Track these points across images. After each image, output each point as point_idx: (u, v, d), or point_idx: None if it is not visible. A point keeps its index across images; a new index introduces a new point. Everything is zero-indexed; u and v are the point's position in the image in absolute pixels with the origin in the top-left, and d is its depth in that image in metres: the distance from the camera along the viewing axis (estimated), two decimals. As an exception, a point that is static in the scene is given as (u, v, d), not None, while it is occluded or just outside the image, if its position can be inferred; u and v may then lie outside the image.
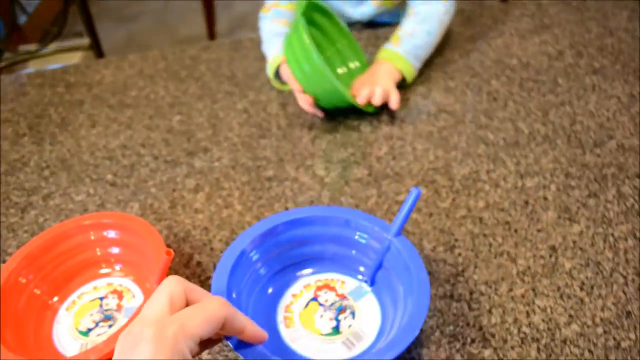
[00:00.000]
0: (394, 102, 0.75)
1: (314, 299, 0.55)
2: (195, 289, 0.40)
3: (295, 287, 0.56)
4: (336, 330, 0.52)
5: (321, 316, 0.53)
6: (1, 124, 0.88)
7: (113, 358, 0.36)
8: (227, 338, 0.43)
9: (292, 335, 0.52)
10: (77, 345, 0.55)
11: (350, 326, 0.52)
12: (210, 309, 0.38)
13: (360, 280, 0.55)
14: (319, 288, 0.56)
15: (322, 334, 0.52)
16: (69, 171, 0.77)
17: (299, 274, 0.57)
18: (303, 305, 0.54)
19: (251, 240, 0.53)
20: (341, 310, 0.53)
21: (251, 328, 0.41)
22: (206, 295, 0.41)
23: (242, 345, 0.43)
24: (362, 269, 0.56)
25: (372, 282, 0.54)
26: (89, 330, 0.56)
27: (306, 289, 0.56)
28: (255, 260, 0.54)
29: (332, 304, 0.54)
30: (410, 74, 0.80)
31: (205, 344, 0.43)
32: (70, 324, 0.57)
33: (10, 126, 0.88)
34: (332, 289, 0.55)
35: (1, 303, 0.53)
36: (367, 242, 0.55)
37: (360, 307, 0.53)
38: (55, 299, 0.59)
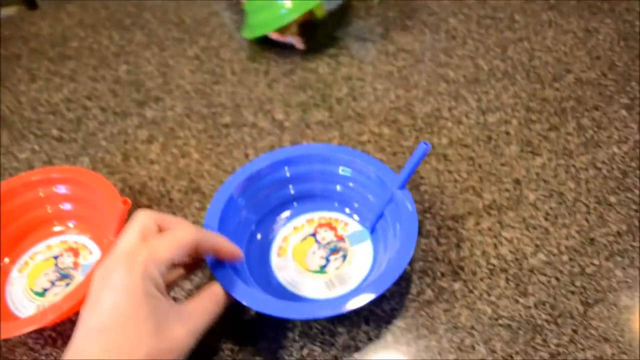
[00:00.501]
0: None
1: (313, 234, 0.54)
2: (166, 218, 0.43)
3: (299, 221, 0.55)
4: (323, 269, 0.51)
5: (314, 253, 0.52)
6: None
7: (89, 289, 0.39)
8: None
9: (280, 264, 0.52)
10: (33, 306, 0.52)
11: (337, 268, 0.51)
12: (179, 235, 0.40)
13: (364, 226, 0.54)
14: (321, 225, 0.55)
15: (308, 270, 0.51)
16: (10, 128, 0.72)
17: (283, 216, 0.56)
18: (300, 239, 0.54)
19: (237, 186, 0.52)
20: (334, 251, 0.52)
21: (225, 248, 0.44)
22: (178, 222, 0.44)
23: (217, 264, 0.46)
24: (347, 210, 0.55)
25: (372, 230, 0.53)
26: (45, 290, 0.53)
27: (308, 224, 0.55)
28: (242, 206, 0.53)
29: (327, 243, 0.53)
30: None
31: (188, 268, 0.46)
32: (24, 286, 0.54)
33: (-60, 84, 0.81)
34: (333, 228, 0.54)
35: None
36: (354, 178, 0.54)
37: (354, 252, 0.52)
38: (6, 260, 0.55)
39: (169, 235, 0.40)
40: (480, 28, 0.77)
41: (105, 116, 0.71)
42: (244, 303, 0.44)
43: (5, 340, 0.51)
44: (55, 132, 0.70)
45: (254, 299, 0.44)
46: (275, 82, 0.72)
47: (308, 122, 0.66)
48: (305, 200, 0.56)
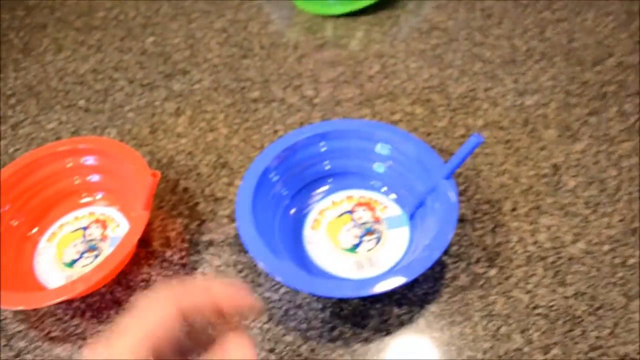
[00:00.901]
0: None
1: (350, 212, 0.53)
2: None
3: (338, 196, 0.54)
4: (354, 248, 0.50)
5: (348, 230, 0.52)
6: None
7: None
8: None
9: (312, 237, 0.51)
10: (63, 277, 0.52)
11: (369, 250, 0.50)
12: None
13: (404, 210, 0.53)
14: (360, 204, 0.53)
15: (339, 247, 0.50)
16: (38, 98, 0.71)
17: (320, 191, 0.55)
18: (337, 215, 0.53)
19: (271, 160, 0.51)
20: (369, 232, 0.51)
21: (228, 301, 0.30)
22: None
23: (248, 236, 0.45)
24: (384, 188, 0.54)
25: (411, 217, 0.52)
26: (74, 261, 0.53)
27: (348, 201, 0.54)
28: (275, 181, 0.52)
29: (363, 223, 0.52)
30: None
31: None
32: (53, 256, 0.53)
33: (-34, 53, 0.80)
34: (372, 209, 0.53)
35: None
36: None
37: (389, 236, 0.51)
38: (35, 230, 0.55)
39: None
40: (517, 7, 0.75)
41: (132, 88, 0.70)
42: (277, 278, 0.43)
43: (35, 310, 0.51)
44: (82, 102, 0.69)
45: (286, 274, 0.43)
46: (305, 57, 0.70)
47: (339, 99, 0.64)
48: (339, 176, 0.55)
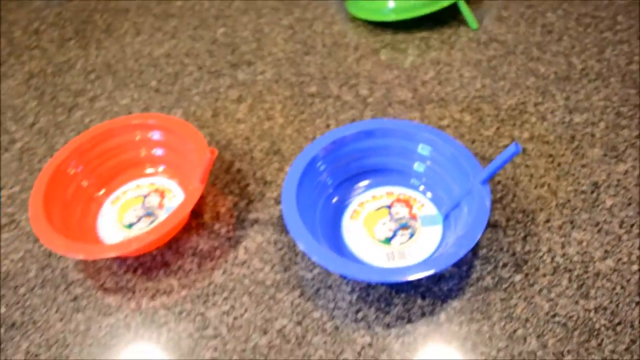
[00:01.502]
0: None
1: (389, 207, 0.56)
2: None
3: (379, 191, 0.58)
4: (388, 240, 0.53)
5: (384, 223, 0.55)
6: (48, 27, 0.89)
7: None
8: None
9: (350, 226, 0.55)
10: (121, 236, 0.57)
11: (402, 243, 0.53)
12: None
13: (439, 211, 0.55)
14: (399, 200, 0.57)
15: (374, 238, 0.54)
16: (114, 76, 0.78)
17: (363, 184, 0.58)
18: (375, 208, 0.56)
19: (320, 149, 0.55)
20: (404, 227, 0.54)
21: None
22: None
23: (290, 215, 0.49)
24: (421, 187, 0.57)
25: (445, 217, 0.55)
26: (132, 224, 0.58)
27: (387, 196, 0.57)
28: (322, 170, 0.56)
29: (400, 218, 0.55)
30: None
31: None
32: (115, 217, 0.59)
33: (56, 30, 0.88)
34: (410, 206, 0.56)
35: (50, 190, 0.56)
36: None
37: (423, 232, 0.54)
38: (102, 192, 0.61)
39: None
40: (579, 26, 0.75)
41: (201, 74, 0.75)
42: (312, 257, 0.46)
43: (93, 262, 0.56)
44: (154, 83, 0.75)
45: (320, 254, 0.46)
46: (364, 58, 0.74)
47: (391, 100, 0.68)
48: (381, 172, 0.58)
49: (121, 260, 0.56)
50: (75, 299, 0.54)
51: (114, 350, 0.50)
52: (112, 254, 0.51)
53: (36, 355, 0.50)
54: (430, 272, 0.45)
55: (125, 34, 0.85)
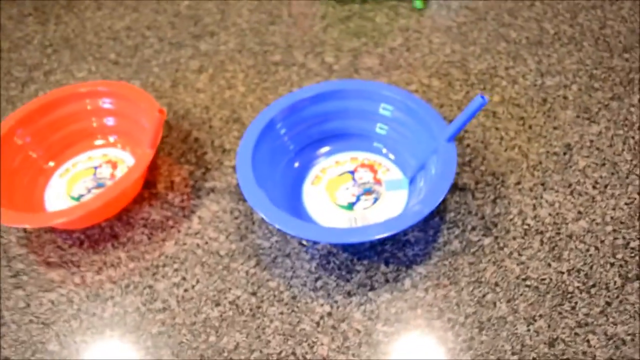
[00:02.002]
0: None
1: (352, 172, 0.53)
2: None
3: (342, 156, 0.54)
4: (350, 206, 0.50)
5: (347, 189, 0.52)
6: (6, 3, 0.85)
7: None
8: None
9: (310, 192, 0.52)
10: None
11: (365, 209, 0.50)
12: None
13: (405, 175, 0.52)
14: (363, 165, 0.54)
15: (336, 203, 0.51)
16: (72, 50, 0.74)
17: (326, 150, 0.55)
18: (338, 173, 0.53)
19: (279, 112, 0.51)
20: (367, 192, 0.51)
21: None
22: None
23: (247, 184, 0.46)
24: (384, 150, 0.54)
25: (411, 181, 0.52)
26: (81, 196, 0.55)
27: (351, 162, 0.54)
28: (282, 134, 0.53)
29: (363, 183, 0.52)
30: None
31: None
32: (63, 190, 0.55)
33: (15, 6, 0.85)
34: (374, 171, 0.53)
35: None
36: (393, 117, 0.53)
37: (387, 197, 0.51)
38: (51, 164, 0.57)
39: None
40: (553, -7, 0.73)
41: (161, 45, 0.72)
42: (268, 220, 0.43)
43: (37, 237, 0.53)
44: (112, 56, 0.72)
45: (277, 218, 0.43)
46: (331, 27, 0.71)
47: (357, 67, 0.65)
48: (344, 137, 0.55)
49: (67, 233, 0.53)
50: (15, 275, 0.50)
51: (53, 327, 0.46)
52: (55, 221, 0.47)
53: (-27, 335, 0.47)
54: (393, 231, 0.42)
55: (86, 9, 0.81)
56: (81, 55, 0.73)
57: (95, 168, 0.57)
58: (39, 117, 0.57)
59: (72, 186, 0.56)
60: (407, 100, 0.51)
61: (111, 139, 0.59)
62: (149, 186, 0.55)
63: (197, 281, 0.48)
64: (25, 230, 0.54)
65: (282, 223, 0.43)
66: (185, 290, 0.47)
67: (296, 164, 0.54)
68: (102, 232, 0.52)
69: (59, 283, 0.49)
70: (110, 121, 0.59)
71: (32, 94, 0.68)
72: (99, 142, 0.59)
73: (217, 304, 0.46)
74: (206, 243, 0.50)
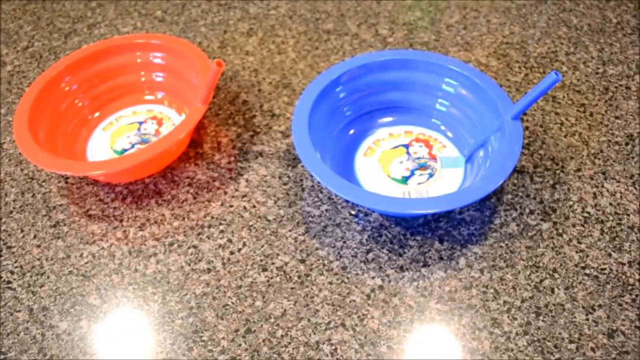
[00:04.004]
0: None
1: (406, 146, 0.51)
2: None
3: (397, 129, 0.53)
4: (404, 180, 0.49)
5: (401, 162, 0.50)
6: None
7: None
8: None
9: (363, 163, 0.50)
10: (112, 159, 0.52)
11: (419, 184, 0.48)
12: None
13: (462, 153, 0.51)
14: (418, 140, 0.52)
15: (389, 176, 0.49)
16: (117, 4, 0.72)
17: (383, 121, 0.53)
18: (392, 146, 0.51)
19: (342, 74, 0.50)
20: (422, 167, 0.50)
21: None
22: None
23: (302, 144, 0.44)
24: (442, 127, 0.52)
25: (468, 159, 0.50)
26: (124, 150, 0.53)
27: (406, 135, 0.52)
28: (341, 98, 0.51)
29: (418, 158, 0.50)
30: None
31: None
32: (106, 143, 0.54)
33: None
34: (430, 146, 0.51)
35: (40, 102, 0.51)
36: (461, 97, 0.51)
37: (443, 174, 0.49)
38: (96, 115, 0.56)
39: None
40: (615, -19, 0.71)
41: (209, 5, 0.70)
42: (323, 184, 0.42)
43: (78, 188, 0.52)
44: (159, 12, 0.70)
45: (332, 181, 0.42)
46: None
47: (412, 41, 0.63)
48: (402, 110, 0.53)
49: (109, 187, 0.52)
50: (55, 225, 0.49)
51: (94, 280, 0.45)
52: (99, 172, 0.46)
53: (8, 282, 0.46)
54: (457, 206, 0.40)
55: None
56: (126, 10, 0.71)
57: (140, 123, 0.56)
58: (88, 66, 0.55)
59: (115, 140, 0.54)
60: (473, 76, 0.49)
61: (159, 95, 0.58)
62: (195, 145, 0.54)
63: (244, 244, 0.47)
64: (66, 180, 0.53)
65: (340, 188, 0.41)
66: (232, 253, 0.46)
67: (351, 132, 0.52)
68: (145, 188, 0.51)
69: (100, 236, 0.48)
70: (159, 77, 0.57)
71: (76, 45, 0.67)
72: (145, 97, 0.58)
73: (264, 269, 0.45)
74: (253, 206, 0.49)
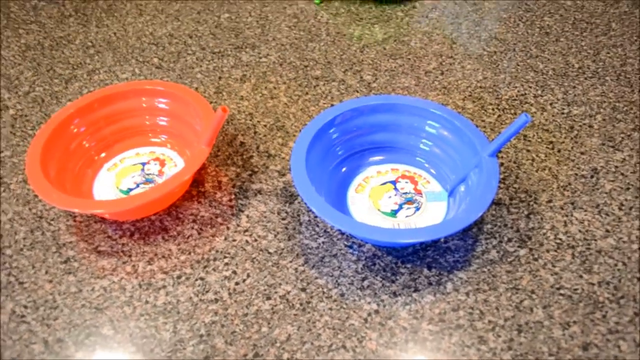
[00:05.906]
0: None
1: (393, 182, 0.56)
2: None
3: (384, 167, 0.58)
4: (393, 213, 0.53)
5: (389, 197, 0.55)
6: (47, 4, 0.88)
7: None
8: None
9: (355, 198, 0.55)
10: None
11: (407, 217, 0.53)
12: None
13: (444, 188, 0.56)
14: (404, 176, 0.57)
15: (379, 210, 0.53)
16: (115, 52, 0.77)
17: (372, 159, 0.58)
18: (380, 183, 0.56)
19: (335, 116, 0.54)
20: (409, 201, 0.54)
21: None
22: None
23: (300, 180, 0.48)
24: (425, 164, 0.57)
25: (450, 193, 0.55)
26: (129, 190, 0.57)
27: (393, 172, 0.57)
28: (334, 138, 0.56)
29: (405, 193, 0.55)
30: None
31: None
32: (112, 182, 0.58)
33: (55, 7, 0.87)
34: (415, 182, 0.56)
35: (51, 143, 0.54)
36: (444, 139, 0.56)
37: (428, 208, 0.54)
38: (102, 155, 0.60)
39: None
40: (575, 30, 0.78)
41: (204, 54, 0.75)
42: (322, 217, 0.46)
43: (87, 226, 0.55)
44: (155, 60, 0.74)
45: (329, 214, 0.46)
46: (368, 48, 0.75)
47: (395, 86, 0.68)
48: (390, 150, 0.58)
49: (117, 224, 0.55)
50: (66, 261, 0.52)
51: (107, 312, 0.48)
52: (111, 210, 0.49)
53: (22, 317, 0.48)
54: (445, 234, 0.45)
55: (127, 14, 0.85)
56: (124, 57, 0.75)
57: (143, 164, 0.59)
58: (97, 109, 0.59)
59: (121, 180, 0.58)
60: (452, 118, 0.54)
61: (162, 137, 0.62)
62: (197, 185, 0.58)
63: (248, 275, 0.50)
64: (74, 218, 0.56)
65: (337, 220, 0.45)
66: (237, 284, 0.50)
67: (344, 169, 0.57)
68: (152, 225, 0.55)
69: (111, 271, 0.51)
70: (163, 121, 0.61)
71: (77, 90, 0.71)
72: (149, 139, 0.62)
73: (268, 298, 0.48)
74: (255, 240, 0.53)
